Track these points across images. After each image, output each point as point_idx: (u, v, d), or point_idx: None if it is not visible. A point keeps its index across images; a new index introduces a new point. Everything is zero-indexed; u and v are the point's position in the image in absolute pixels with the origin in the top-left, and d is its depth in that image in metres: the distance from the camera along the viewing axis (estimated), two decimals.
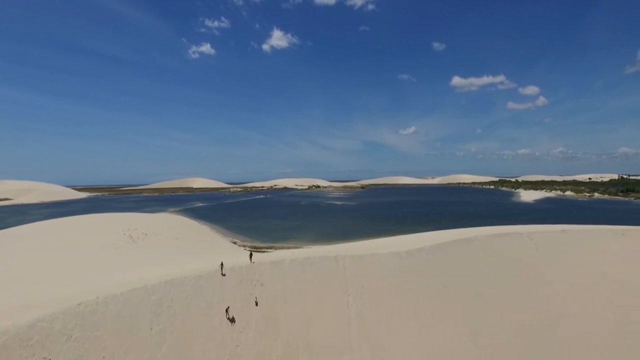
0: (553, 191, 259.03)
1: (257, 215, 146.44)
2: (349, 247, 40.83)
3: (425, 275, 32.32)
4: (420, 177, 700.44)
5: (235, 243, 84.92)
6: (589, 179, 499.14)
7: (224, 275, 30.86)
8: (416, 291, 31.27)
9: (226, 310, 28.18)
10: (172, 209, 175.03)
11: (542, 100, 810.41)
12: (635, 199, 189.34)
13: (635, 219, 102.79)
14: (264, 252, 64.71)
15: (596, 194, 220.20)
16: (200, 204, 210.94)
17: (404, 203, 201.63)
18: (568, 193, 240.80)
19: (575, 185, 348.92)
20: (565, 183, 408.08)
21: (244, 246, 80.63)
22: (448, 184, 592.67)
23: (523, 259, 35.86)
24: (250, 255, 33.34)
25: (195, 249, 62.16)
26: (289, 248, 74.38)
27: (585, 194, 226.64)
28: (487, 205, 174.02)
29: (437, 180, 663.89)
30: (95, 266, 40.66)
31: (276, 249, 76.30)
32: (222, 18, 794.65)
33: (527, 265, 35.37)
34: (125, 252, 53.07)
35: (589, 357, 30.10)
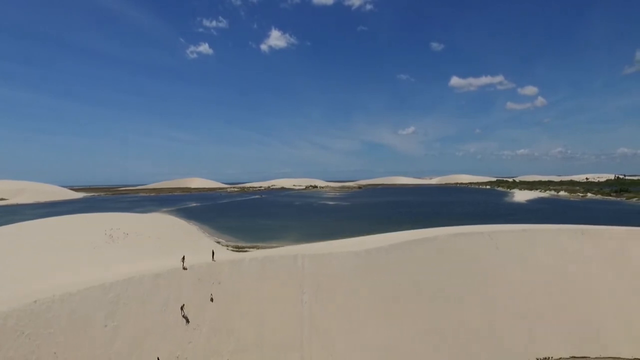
0: (547, 191, 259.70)
1: (248, 215, 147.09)
2: (311, 247, 41.45)
3: (382, 274, 32.97)
4: (418, 177, 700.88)
5: (219, 242, 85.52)
6: (586, 179, 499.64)
7: (185, 269, 31.67)
8: (372, 289, 31.92)
9: (181, 308, 28.85)
10: (165, 209, 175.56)
11: (540, 100, 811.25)
12: (627, 199, 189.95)
13: (618, 219, 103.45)
14: (245, 251, 65.27)
15: (589, 194, 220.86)
16: (194, 204, 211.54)
17: (396, 203, 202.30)
18: (562, 193, 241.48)
19: (571, 185, 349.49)
20: (561, 183, 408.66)
21: (227, 246, 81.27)
22: (446, 184, 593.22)
23: (483, 257, 36.51)
24: (212, 254, 33.98)
25: (174, 249, 62.62)
26: (272, 248, 74.99)
27: (579, 194, 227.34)
28: (478, 205, 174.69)
29: (434, 181, 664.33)
30: (66, 266, 41.23)
31: (259, 248, 76.88)
32: (220, 18, 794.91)
33: (487, 264, 36.03)
34: (102, 251, 53.61)
35: (544, 352, 30.79)
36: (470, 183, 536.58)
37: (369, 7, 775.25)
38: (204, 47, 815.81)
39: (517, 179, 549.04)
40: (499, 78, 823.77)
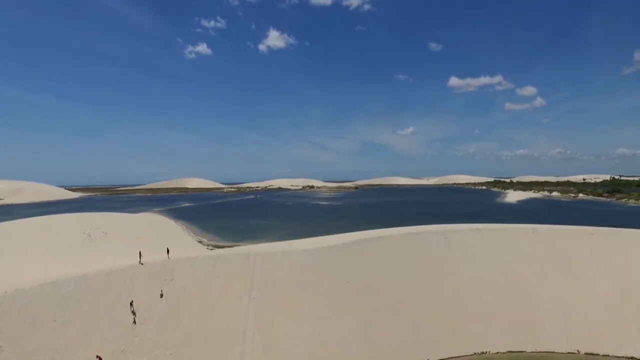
0: (540, 192, 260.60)
1: (238, 216, 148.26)
2: (268, 246, 42.56)
3: (330, 272, 34.03)
4: (416, 178, 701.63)
5: (201, 242, 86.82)
6: (583, 179, 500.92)
7: (142, 264, 32.84)
8: (319, 286, 32.98)
9: (130, 304, 29.92)
10: (157, 209, 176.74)
11: (539, 100, 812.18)
12: (616, 199, 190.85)
13: (596, 219, 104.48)
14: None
15: (580, 195, 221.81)
16: (188, 204, 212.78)
17: (388, 204, 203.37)
18: (554, 194, 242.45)
19: (567, 186, 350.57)
20: (557, 184, 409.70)
21: (208, 245, 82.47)
22: (443, 184, 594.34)
23: (434, 256, 37.54)
24: (167, 251, 35.07)
25: (152, 248, 63.75)
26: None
27: (571, 194, 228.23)
28: (468, 206, 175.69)
29: (432, 181, 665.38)
30: (31, 265, 42.33)
31: (237, 247, 77.97)
32: (219, 18, 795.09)
33: (438, 262, 37.06)
34: (76, 250, 54.86)
35: (483, 347, 31.85)
36: (467, 183, 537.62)
37: (367, 7, 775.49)
38: (203, 47, 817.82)
39: (514, 180, 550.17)
40: (497, 78, 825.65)
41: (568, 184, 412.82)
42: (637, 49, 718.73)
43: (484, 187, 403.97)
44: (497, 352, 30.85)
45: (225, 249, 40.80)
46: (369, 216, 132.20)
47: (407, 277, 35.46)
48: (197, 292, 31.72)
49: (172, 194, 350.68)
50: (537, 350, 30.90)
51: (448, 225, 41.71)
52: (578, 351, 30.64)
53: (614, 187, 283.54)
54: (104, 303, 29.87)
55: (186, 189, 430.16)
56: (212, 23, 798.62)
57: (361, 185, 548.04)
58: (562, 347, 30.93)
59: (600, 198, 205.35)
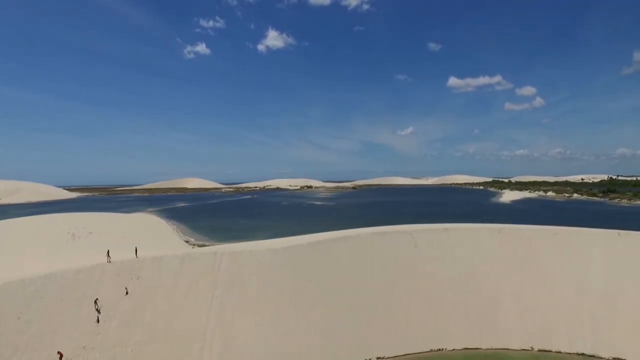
0: (536, 192, 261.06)
1: (231, 216, 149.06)
2: (237, 246, 43.32)
3: (295, 271, 34.79)
4: (415, 178, 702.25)
5: (188, 241, 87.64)
6: (581, 179, 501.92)
7: (110, 262, 33.71)
8: (282, 285, 33.75)
9: (95, 302, 30.73)
10: (151, 209, 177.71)
11: (539, 100, 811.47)
12: (609, 199, 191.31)
13: (581, 219, 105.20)
14: None
15: (575, 195, 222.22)
16: (183, 204, 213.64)
17: (382, 203, 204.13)
18: (550, 194, 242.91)
19: (565, 186, 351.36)
20: (555, 184, 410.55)
21: (195, 245, 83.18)
22: (442, 184, 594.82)
23: (400, 255, 38.26)
24: (135, 250, 35.85)
25: (135, 247, 64.67)
26: None
27: (565, 194, 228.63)
28: (460, 206, 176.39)
29: (431, 181, 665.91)
30: (11, 263, 43.15)
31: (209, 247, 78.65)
32: (217, 18, 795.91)
33: (402, 261, 37.78)
34: (57, 250, 55.78)
35: (440, 344, 32.60)
36: (466, 183, 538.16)
37: (365, 7, 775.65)
38: (202, 47, 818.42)
39: (512, 180, 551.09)
40: (497, 78, 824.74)
41: (566, 184, 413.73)
42: (637, 49, 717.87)
43: (481, 187, 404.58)
44: (454, 349, 31.58)
45: (195, 248, 41.50)
46: (360, 216, 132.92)
47: (372, 276, 36.20)
48: (162, 290, 32.49)
49: (169, 194, 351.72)
50: (493, 347, 31.64)
51: (416, 225, 42.42)
52: (532, 348, 31.36)
53: (610, 187, 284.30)
54: (70, 301, 30.67)
55: (184, 189, 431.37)
56: (211, 23, 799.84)
57: (360, 186, 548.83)
58: (516, 344, 31.66)
59: (595, 198, 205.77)
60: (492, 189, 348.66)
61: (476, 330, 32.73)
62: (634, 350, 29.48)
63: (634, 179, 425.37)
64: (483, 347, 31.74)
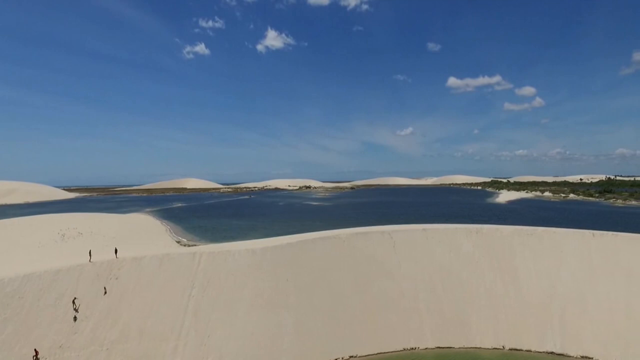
0: (533, 192, 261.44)
1: (225, 216, 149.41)
2: (215, 246, 43.81)
3: (271, 270, 35.26)
4: (414, 178, 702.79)
5: (179, 242, 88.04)
6: (580, 180, 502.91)
7: (91, 262, 34.32)
8: (258, 284, 34.23)
9: (73, 301, 31.21)
10: (147, 209, 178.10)
11: (538, 101, 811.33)
12: (605, 199, 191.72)
13: (570, 220, 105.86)
14: None
15: (571, 195, 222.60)
16: (180, 205, 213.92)
17: (377, 204, 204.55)
18: (546, 194, 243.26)
19: (562, 186, 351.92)
20: (554, 184, 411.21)
21: (186, 245, 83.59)
22: (440, 184, 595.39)
23: (378, 255, 38.74)
24: (115, 251, 36.34)
25: (124, 247, 65.16)
26: None
27: (562, 194, 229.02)
28: (454, 206, 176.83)
29: (430, 181, 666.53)
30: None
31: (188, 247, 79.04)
32: (216, 18, 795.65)
33: (380, 261, 38.26)
34: (45, 250, 56.29)
35: (413, 343, 33.05)
36: (464, 184, 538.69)
37: (364, 7, 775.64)
38: (201, 48, 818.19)
39: (511, 180, 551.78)
40: (496, 78, 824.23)
41: (564, 184, 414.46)
42: (636, 50, 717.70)
43: (479, 188, 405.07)
44: (426, 348, 32.03)
45: (175, 249, 41.92)
46: (353, 216, 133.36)
47: (348, 276, 36.67)
48: (140, 290, 32.99)
49: (167, 194, 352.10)
50: (465, 346, 32.09)
51: (396, 225, 42.88)
52: (503, 347, 31.81)
53: (607, 187, 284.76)
54: (48, 300, 31.19)
55: (183, 190, 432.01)
56: (210, 23, 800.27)
57: (358, 186, 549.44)
58: (488, 343, 32.12)
59: (590, 198, 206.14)
60: (489, 189, 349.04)
61: (449, 330, 33.18)
62: (602, 348, 29.95)
63: (632, 179, 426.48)
64: (455, 346, 32.19)
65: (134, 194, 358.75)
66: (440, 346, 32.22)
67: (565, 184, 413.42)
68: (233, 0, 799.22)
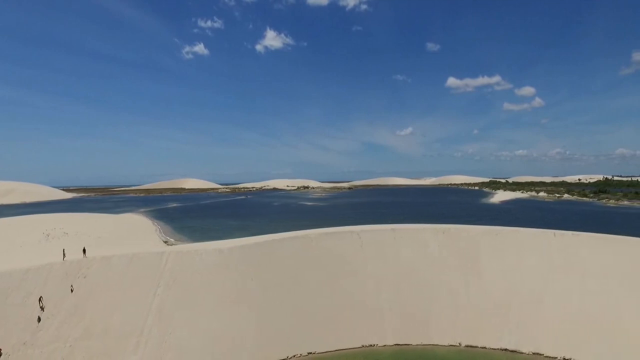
0: (528, 192, 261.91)
1: (218, 216, 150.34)
2: (184, 246, 44.54)
3: (237, 270, 36.06)
4: (413, 178, 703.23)
5: (166, 242, 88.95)
6: (578, 180, 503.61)
7: (65, 260, 35.31)
8: (224, 283, 35.03)
9: (39, 300, 32.03)
10: (143, 209, 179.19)
11: (538, 101, 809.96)
12: (598, 199, 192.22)
13: (558, 221, 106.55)
14: None
15: (565, 195, 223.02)
16: (175, 205, 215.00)
17: (372, 204, 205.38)
18: (541, 194, 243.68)
19: (560, 186, 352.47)
20: (552, 184, 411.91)
21: (173, 244, 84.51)
22: (439, 184, 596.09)
23: (345, 255, 39.50)
24: (84, 250, 37.19)
25: (108, 247, 66.08)
26: None
27: (556, 195, 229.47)
28: (449, 206, 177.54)
29: (429, 182, 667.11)
30: None
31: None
32: (215, 18, 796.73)
33: (346, 261, 39.02)
34: (26, 250, 57.17)
35: (371, 340, 33.81)
36: (462, 184, 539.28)
37: (363, 7, 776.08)
38: (200, 48, 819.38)
39: (510, 180, 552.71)
40: (495, 79, 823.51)
41: (562, 184, 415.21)
42: (635, 50, 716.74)
43: (476, 188, 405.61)
44: (385, 345, 32.80)
45: (144, 249, 42.69)
46: (343, 216, 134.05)
47: (314, 275, 37.44)
48: (106, 288, 33.80)
49: (165, 194, 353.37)
50: (423, 343, 32.84)
51: (365, 225, 43.65)
52: (459, 344, 32.57)
53: (604, 187, 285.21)
54: (15, 299, 32.02)
55: (181, 190, 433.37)
56: (209, 23, 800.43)
57: (357, 186, 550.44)
58: (446, 340, 32.87)
59: (585, 199, 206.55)
60: (486, 190, 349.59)
61: (409, 327, 33.93)
62: (553, 345, 30.69)
63: (630, 179, 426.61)
64: (413, 344, 32.94)
65: (132, 194, 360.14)
66: (399, 343, 32.98)
67: (563, 184, 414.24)
68: (232, 0, 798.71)
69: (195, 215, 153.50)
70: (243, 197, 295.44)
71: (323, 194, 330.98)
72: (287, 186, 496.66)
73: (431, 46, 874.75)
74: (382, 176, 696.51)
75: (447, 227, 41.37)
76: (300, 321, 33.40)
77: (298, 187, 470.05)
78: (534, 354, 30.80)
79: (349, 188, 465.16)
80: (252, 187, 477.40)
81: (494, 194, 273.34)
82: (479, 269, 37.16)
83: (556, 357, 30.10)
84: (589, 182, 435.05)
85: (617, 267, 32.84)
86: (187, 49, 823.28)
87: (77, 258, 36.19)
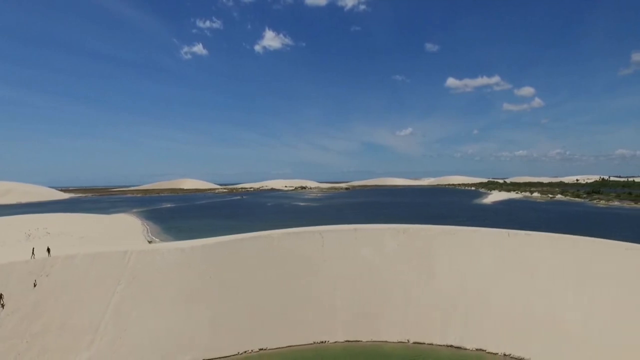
0: (522, 193, 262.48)
1: (209, 216, 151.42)
2: (147, 245, 45.45)
3: (197, 268, 37.09)
4: (412, 179, 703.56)
5: (151, 242, 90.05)
6: (576, 180, 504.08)
7: (34, 258, 36.41)
8: (182, 281, 36.06)
9: (0, 297, 33.07)
10: (136, 209, 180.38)
11: (537, 101, 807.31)
12: (589, 200, 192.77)
13: (541, 220, 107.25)
14: None
15: (558, 196, 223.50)
16: (170, 205, 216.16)
17: (364, 204, 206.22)
18: (535, 194, 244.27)
19: (558, 186, 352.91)
20: (549, 185, 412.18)
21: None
22: (437, 185, 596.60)
23: (306, 254, 40.50)
24: (48, 250, 38.23)
25: (86, 247, 67.23)
26: None
27: (549, 195, 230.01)
28: (439, 207, 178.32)
29: (427, 182, 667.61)
30: None
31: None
32: (214, 18, 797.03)
33: (307, 260, 40.03)
34: (5, 249, 58.24)
35: (323, 337, 34.75)
36: (459, 184, 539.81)
37: (362, 7, 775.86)
38: (198, 48, 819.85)
39: (508, 180, 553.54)
40: (495, 79, 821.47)
41: (559, 184, 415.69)
42: (635, 50, 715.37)
43: (472, 188, 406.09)
44: (336, 342, 33.76)
45: (107, 248, 43.62)
46: (330, 216, 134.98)
47: (273, 274, 38.43)
48: (68, 286, 34.85)
49: (162, 195, 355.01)
50: (372, 340, 33.79)
51: (329, 226, 44.62)
52: (408, 340, 33.51)
53: (599, 187, 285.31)
54: None
55: (179, 190, 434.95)
56: (207, 23, 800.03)
57: (355, 186, 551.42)
58: (395, 337, 33.82)
59: (577, 199, 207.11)
60: (482, 190, 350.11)
61: (360, 325, 34.89)
62: (495, 342, 31.61)
63: (626, 179, 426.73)
64: (363, 340, 33.88)
65: (130, 195, 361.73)
66: (349, 340, 33.92)
67: (560, 184, 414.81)
68: (230, 0, 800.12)
69: (187, 216, 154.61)
70: (238, 197, 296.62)
71: (319, 195, 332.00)
72: (285, 186, 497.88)
73: (430, 46, 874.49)
74: (382, 176, 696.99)
75: (407, 227, 42.33)
76: (254, 319, 34.39)
77: (296, 188, 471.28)
78: (477, 350, 31.72)
79: (346, 188, 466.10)
80: (250, 188, 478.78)
81: (488, 194, 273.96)
82: (433, 268, 38.10)
83: (497, 353, 31.01)
84: (587, 182, 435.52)
85: (563, 266, 33.75)
86: (186, 49, 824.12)
87: (44, 257, 37.25)
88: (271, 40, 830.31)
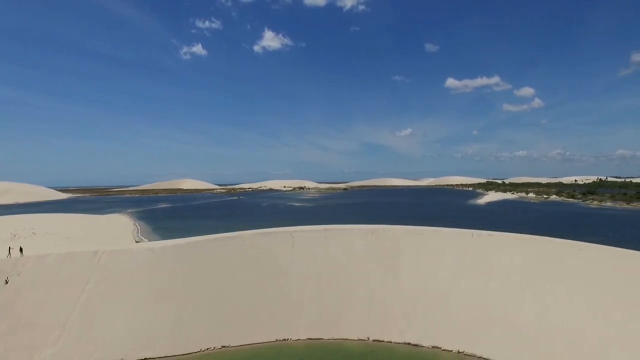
0: (517, 193, 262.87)
1: (202, 217, 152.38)
2: (118, 245, 46.32)
3: (166, 268, 37.96)
4: (411, 179, 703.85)
5: (138, 242, 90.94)
6: (575, 180, 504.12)
7: (9, 257, 37.39)
8: (151, 281, 36.94)
9: None
10: (131, 210, 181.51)
11: (537, 102, 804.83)
12: (583, 200, 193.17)
13: (529, 221, 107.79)
14: None
15: (553, 196, 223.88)
16: (165, 205, 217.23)
17: (359, 205, 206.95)
18: (530, 195, 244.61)
19: (556, 187, 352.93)
20: (547, 185, 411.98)
21: None
22: (436, 185, 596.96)
23: (276, 254, 41.36)
24: (20, 250, 39.17)
25: (72, 247, 68.21)
26: None
27: (544, 196, 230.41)
28: (432, 207, 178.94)
29: (426, 182, 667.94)
30: None
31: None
32: (213, 19, 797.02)
33: (276, 260, 40.88)
34: None
35: (284, 335, 35.56)
36: (457, 185, 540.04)
37: (361, 7, 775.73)
38: (198, 48, 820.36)
39: (507, 181, 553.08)
40: (495, 79, 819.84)
41: (558, 185, 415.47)
42: (634, 51, 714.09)
43: (470, 189, 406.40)
44: (298, 339, 34.56)
45: (79, 248, 44.48)
46: (321, 217, 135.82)
47: (242, 273, 39.28)
48: (38, 285, 35.75)
49: (160, 195, 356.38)
50: (334, 337, 34.59)
51: (300, 226, 45.45)
52: (368, 338, 34.30)
53: (596, 188, 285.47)
54: None
55: (177, 190, 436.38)
56: (207, 24, 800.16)
57: (354, 187, 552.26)
58: (355, 335, 34.61)
59: (571, 200, 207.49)
60: (479, 190, 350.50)
61: (323, 323, 35.68)
62: (450, 340, 32.37)
63: (623, 180, 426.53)
64: (325, 338, 34.68)
65: (128, 195, 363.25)
66: (311, 337, 34.72)
67: (558, 185, 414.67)
68: (229, 1, 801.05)
69: (181, 216, 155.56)
70: (235, 197, 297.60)
71: (316, 195, 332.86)
72: (284, 187, 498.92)
73: (430, 47, 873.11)
74: (382, 177, 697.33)
75: (375, 228, 43.15)
76: (218, 317, 35.22)
77: (294, 188, 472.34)
78: (432, 347, 32.48)
79: (344, 189, 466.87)
80: (249, 188, 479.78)
81: (484, 195, 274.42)
82: (398, 268, 38.89)
83: (451, 351, 31.76)
84: (585, 182, 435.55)
85: (521, 266, 34.51)
86: (186, 49, 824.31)
87: (15, 256, 38.15)
88: (270, 40, 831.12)
